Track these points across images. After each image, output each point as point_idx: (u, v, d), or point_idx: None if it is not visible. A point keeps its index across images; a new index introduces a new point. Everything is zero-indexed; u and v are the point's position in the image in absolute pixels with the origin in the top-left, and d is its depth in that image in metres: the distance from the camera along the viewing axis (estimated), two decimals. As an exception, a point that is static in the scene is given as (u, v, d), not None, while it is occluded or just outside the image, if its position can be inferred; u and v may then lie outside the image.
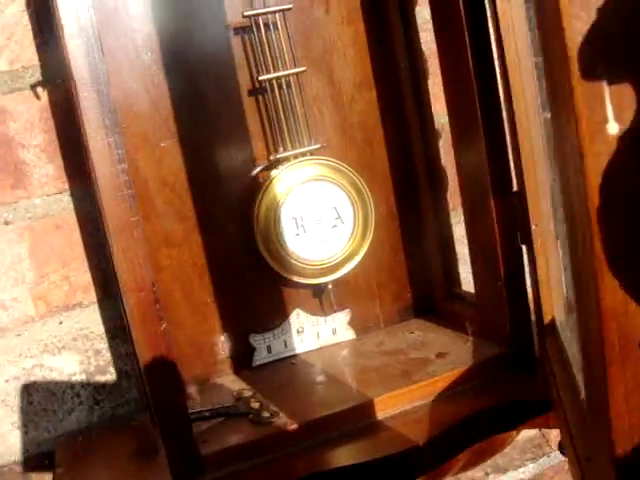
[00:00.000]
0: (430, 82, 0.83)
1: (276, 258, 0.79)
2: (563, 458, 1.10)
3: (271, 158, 0.78)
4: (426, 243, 0.87)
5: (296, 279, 0.80)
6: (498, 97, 0.69)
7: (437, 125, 0.85)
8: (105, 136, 0.58)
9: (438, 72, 0.85)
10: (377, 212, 0.84)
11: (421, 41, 0.81)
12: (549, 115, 0.69)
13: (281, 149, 0.78)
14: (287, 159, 0.78)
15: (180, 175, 0.77)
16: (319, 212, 0.80)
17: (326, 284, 0.82)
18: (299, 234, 0.79)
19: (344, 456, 0.64)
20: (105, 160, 0.58)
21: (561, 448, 0.75)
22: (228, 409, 0.71)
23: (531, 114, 0.66)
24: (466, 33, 0.68)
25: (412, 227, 0.87)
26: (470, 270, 0.96)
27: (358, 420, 0.68)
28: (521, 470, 1.09)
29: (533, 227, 0.67)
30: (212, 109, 0.77)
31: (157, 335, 0.61)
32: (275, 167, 0.78)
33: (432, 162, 0.84)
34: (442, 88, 0.87)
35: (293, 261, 0.79)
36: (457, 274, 0.87)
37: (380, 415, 0.69)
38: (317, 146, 0.79)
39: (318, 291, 0.83)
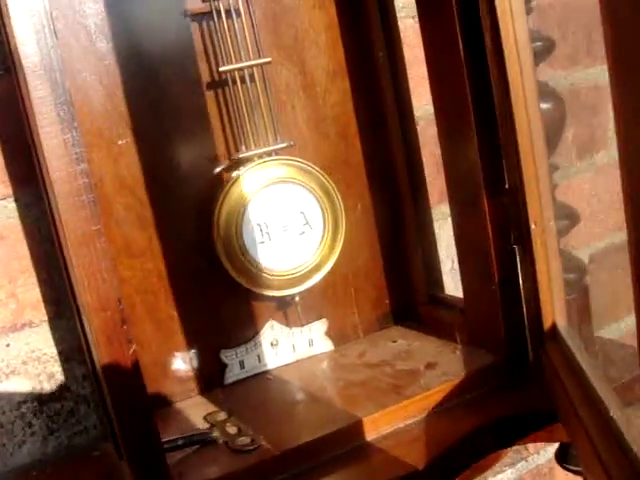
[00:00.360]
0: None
1: (239, 269, 0.72)
2: (540, 462, 1.07)
3: (232, 158, 0.71)
4: (406, 244, 0.81)
5: (260, 291, 0.73)
6: (491, 88, 0.64)
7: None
8: (60, 132, 0.50)
9: (414, 62, 0.80)
10: (353, 212, 0.79)
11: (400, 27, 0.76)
12: (547, 105, 0.65)
13: (243, 148, 0.71)
14: (250, 159, 0.71)
15: (140, 176, 0.69)
16: (286, 218, 0.73)
17: (293, 296, 0.75)
18: (264, 242, 0.72)
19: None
20: (61, 160, 0.50)
21: (560, 460, 0.70)
22: (203, 436, 0.63)
23: (530, 105, 0.61)
24: (456, 17, 0.62)
25: (390, 227, 0.81)
26: (448, 272, 0.92)
27: (348, 443, 0.62)
28: (499, 477, 1.05)
29: (532, 226, 0.63)
30: (174, 103, 0.70)
31: (125, 359, 0.53)
32: (237, 168, 0.71)
33: (412, 157, 0.79)
34: (419, 79, 0.82)
35: (257, 272, 0.72)
36: (440, 277, 0.82)
37: (371, 436, 0.63)
38: (283, 145, 0.72)
39: (284, 304, 0.76)
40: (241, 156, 0.71)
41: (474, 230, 0.68)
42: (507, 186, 0.66)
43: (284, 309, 0.77)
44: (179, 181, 0.71)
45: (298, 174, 0.73)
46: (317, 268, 0.75)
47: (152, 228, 0.70)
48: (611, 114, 1.02)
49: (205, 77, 0.70)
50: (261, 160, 0.71)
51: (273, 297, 0.75)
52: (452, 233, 0.92)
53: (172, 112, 0.69)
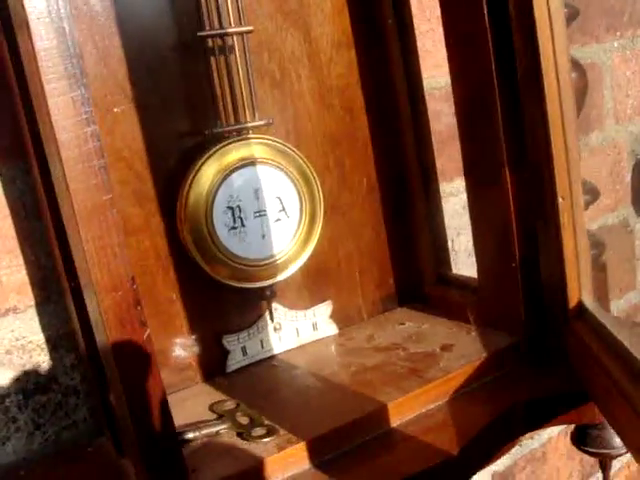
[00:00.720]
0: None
1: (207, 257, 0.66)
2: (534, 447, 1.05)
3: (206, 133, 0.65)
4: (413, 222, 0.77)
5: (229, 283, 0.67)
6: (514, 54, 0.61)
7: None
8: (68, 89, 0.45)
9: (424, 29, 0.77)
10: (358, 188, 0.75)
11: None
12: (574, 74, 0.62)
13: (218, 123, 0.66)
14: (225, 136, 0.66)
15: (137, 148, 0.63)
16: (259, 203, 0.68)
17: (263, 289, 0.70)
18: (236, 227, 0.67)
19: (368, 476, 0.54)
20: (69, 121, 0.45)
21: (578, 442, 0.68)
22: (214, 427, 0.59)
23: (561, 72, 0.58)
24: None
25: (397, 203, 0.77)
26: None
27: (373, 430, 0.58)
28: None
29: (560, 200, 0.60)
30: (172, 69, 0.64)
31: (139, 343, 0.48)
32: (207, 144, 0.65)
33: (420, 132, 0.75)
34: (421, 51, 0.79)
35: (227, 260, 0.66)
36: (447, 256, 0.78)
37: (395, 422, 0.59)
38: (261, 122, 0.67)
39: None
40: (215, 131, 0.65)
41: (493, 207, 0.65)
42: (529, 159, 0.63)
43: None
44: (178, 153, 0.65)
45: (276, 156, 0.68)
46: (289, 261, 0.70)
47: (150, 204, 0.65)
48: (606, 92, 0.98)
49: (210, 41, 0.65)
50: (235, 138, 0.66)
51: (240, 289, 0.69)
52: (452, 212, 0.89)
53: (174, 78, 0.64)
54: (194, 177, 0.65)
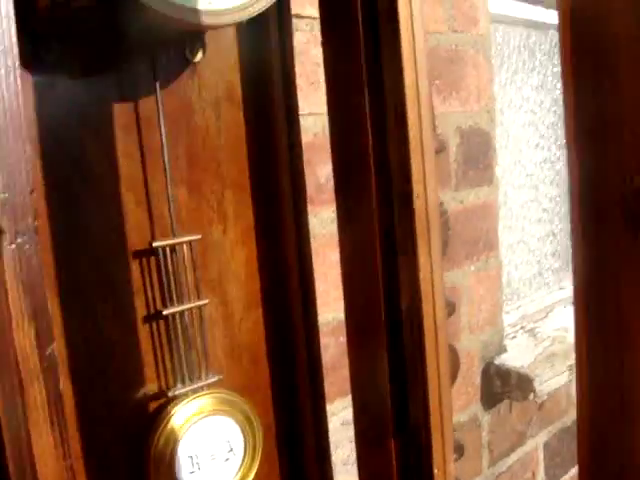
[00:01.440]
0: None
1: None
2: None
3: (169, 395, 0.74)
4: (303, 455, 0.88)
5: None
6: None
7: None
8: (50, 430, 0.51)
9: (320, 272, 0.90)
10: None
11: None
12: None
13: (179, 385, 0.76)
14: (185, 394, 0.75)
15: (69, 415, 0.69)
16: (214, 447, 0.77)
17: None
18: (194, 472, 0.75)
19: None
20: (49, 457, 0.51)
21: None
22: None
23: (439, 316, 0.71)
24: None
25: (290, 439, 0.87)
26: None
27: None
28: None
29: (435, 471, 0.73)
30: (107, 338, 0.72)
31: None
32: (170, 404, 0.75)
33: (312, 364, 0.86)
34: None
35: None
36: (332, 484, 0.89)
37: None
38: (215, 379, 0.78)
39: None
40: (177, 393, 0.75)
41: (379, 467, 0.77)
42: (410, 423, 0.76)
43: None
44: (109, 416, 0.72)
45: (225, 405, 0.78)
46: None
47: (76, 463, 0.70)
48: (463, 309, 1.15)
49: (141, 313, 0.74)
50: (194, 395, 0.76)
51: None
52: (332, 429, 1.01)
53: (107, 347, 0.71)
54: (160, 434, 0.73)
